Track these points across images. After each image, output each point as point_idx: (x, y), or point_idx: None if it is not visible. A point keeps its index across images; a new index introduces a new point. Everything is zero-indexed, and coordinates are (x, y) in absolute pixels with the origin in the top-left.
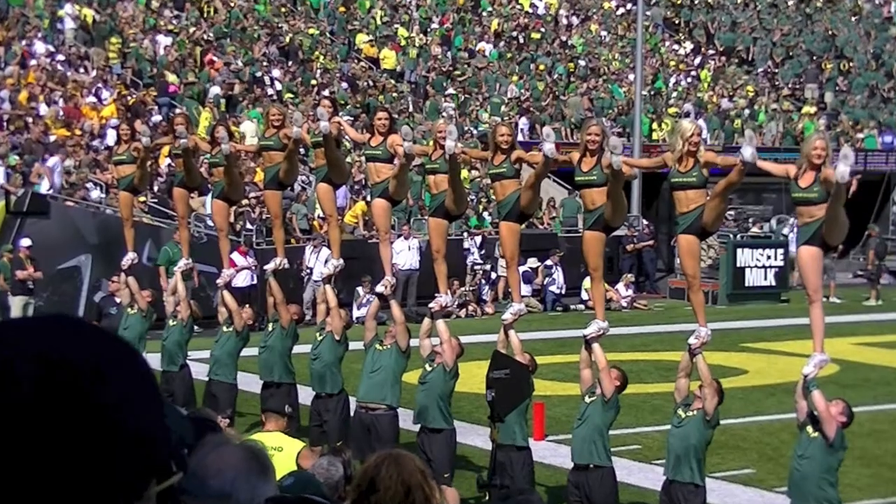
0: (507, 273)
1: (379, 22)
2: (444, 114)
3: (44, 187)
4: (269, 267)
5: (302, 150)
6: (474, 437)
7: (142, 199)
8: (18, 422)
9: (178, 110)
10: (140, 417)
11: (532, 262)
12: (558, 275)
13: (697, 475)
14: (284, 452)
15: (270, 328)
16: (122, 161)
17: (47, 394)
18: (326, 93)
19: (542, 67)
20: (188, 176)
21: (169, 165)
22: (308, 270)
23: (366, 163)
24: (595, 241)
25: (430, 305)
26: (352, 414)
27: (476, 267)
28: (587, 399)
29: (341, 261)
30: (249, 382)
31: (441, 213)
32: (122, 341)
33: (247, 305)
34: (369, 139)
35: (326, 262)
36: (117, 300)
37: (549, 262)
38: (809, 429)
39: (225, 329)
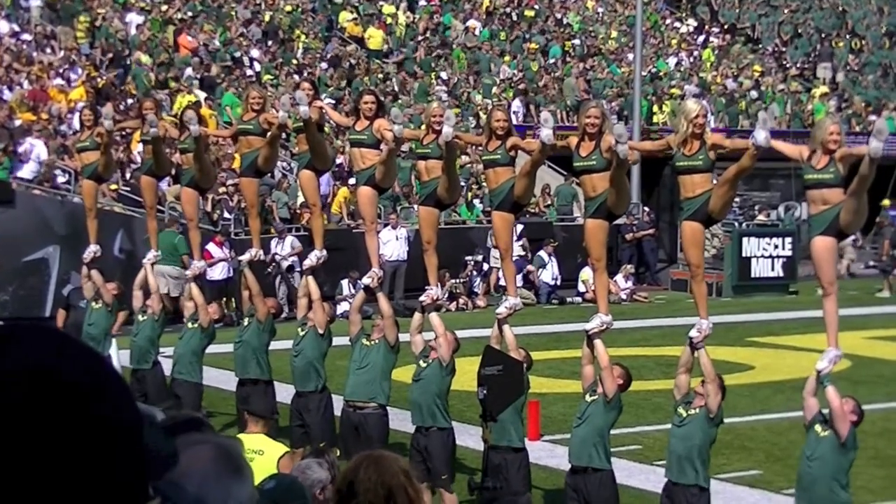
0: (502, 265)
1: None
2: (435, 97)
3: (25, 172)
4: (245, 258)
5: (283, 136)
6: (466, 437)
7: (113, 186)
8: (11, 430)
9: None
10: (125, 417)
11: (518, 245)
12: (552, 265)
13: (702, 477)
14: (265, 456)
15: (246, 322)
16: (85, 148)
17: (36, 401)
18: (307, 74)
19: (534, 46)
20: (157, 164)
21: (140, 152)
22: (275, 265)
23: (350, 148)
24: (597, 230)
25: (421, 299)
26: (337, 412)
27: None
28: (588, 398)
29: (325, 252)
30: (226, 380)
31: (432, 201)
32: (91, 348)
33: (213, 301)
34: (354, 123)
35: (293, 250)
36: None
37: (542, 253)
38: (818, 428)
39: (190, 325)
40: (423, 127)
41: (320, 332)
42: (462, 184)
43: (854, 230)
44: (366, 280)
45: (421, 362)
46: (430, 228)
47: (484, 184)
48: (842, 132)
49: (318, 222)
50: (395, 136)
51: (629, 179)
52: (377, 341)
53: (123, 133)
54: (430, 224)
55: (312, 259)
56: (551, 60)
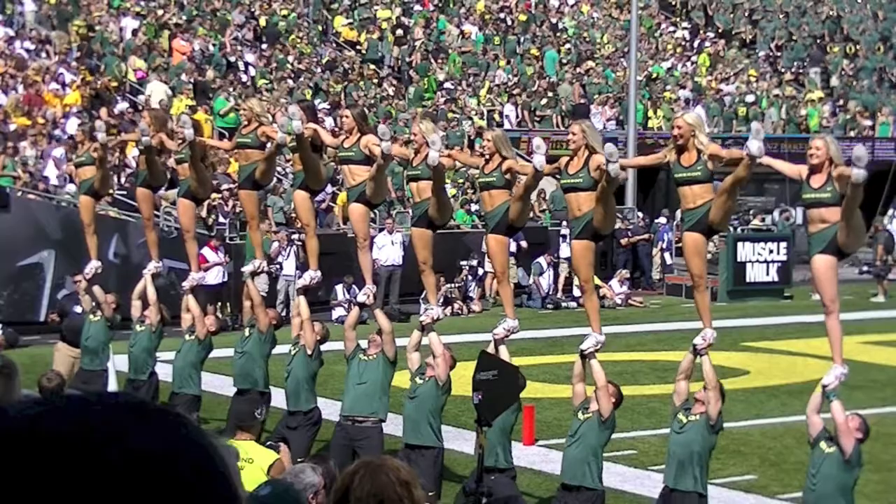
0: (499, 288)
1: (358, 4)
2: (424, 120)
3: (49, 174)
4: (247, 269)
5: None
6: (461, 442)
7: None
8: None
9: (142, 97)
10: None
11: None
12: (550, 274)
13: (700, 484)
14: (255, 464)
15: (247, 333)
16: (82, 163)
17: (158, 485)
18: (302, 79)
19: (534, 52)
20: (151, 173)
21: (136, 157)
22: (278, 266)
23: (339, 165)
24: (584, 252)
25: (421, 319)
26: (332, 417)
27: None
28: (580, 416)
29: (319, 273)
30: (221, 385)
31: (424, 222)
32: (209, 438)
33: (209, 306)
34: (343, 141)
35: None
36: (81, 300)
37: (541, 260)
38: (823, 444)
39: (187, 337)
40: (406, 144)
41: (309, 352)
42: (455, 190)
43: (854, 248)
44: (361, 297)
45: (417, 379)
46: (425, 249)
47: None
48: (826, 146)
49: (312, 242)
50: (382, 152)
51: (623, 184)
52: (375, 356)
53: (121, 144)
54: (424, 245)
55: (306, 279)
56: (552, 65)
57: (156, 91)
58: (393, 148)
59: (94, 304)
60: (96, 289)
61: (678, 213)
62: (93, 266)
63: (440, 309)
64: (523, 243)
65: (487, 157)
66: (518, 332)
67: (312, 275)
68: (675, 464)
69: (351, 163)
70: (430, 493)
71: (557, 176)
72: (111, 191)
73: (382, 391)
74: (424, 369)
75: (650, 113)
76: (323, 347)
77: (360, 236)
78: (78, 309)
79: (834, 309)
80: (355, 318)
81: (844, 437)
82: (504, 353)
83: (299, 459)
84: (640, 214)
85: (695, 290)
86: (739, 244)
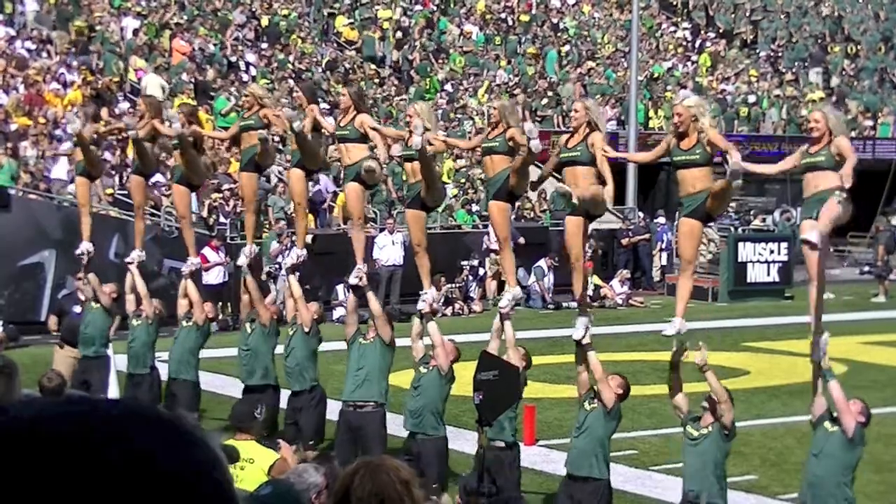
0: (500, 256)
1: (359, 4)
2: (419, 103)
3: (56, 173)
4: (242, 261)
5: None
6: (462, 441)
7: (108, 191)
8: None
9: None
10: None
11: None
12: (550, 277)
13: (721, 491)
14: (256, 464)
15: (249, 329)
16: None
17: (139, 489)
18: (303, 78)
19: (532, 51)
20: (142, 162)
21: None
22: (277, 266)
23: (337, 144)
24: (578, 229)
25: (419, 306)
26: (334, 416)
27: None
28: (587, 406)
29: (305, 251)
30: (222, 385)
31: (417, 204)
32: (202, 439)
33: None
34: (339, 120)
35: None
36: (81, 297)
37: (542, 263)
38: (827, 425)
39: (185, 324)
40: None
41: (306, 330)
42: (456, 190)
43: (840, 220)
44: (352, 280)
45: (421, 368)
46: (419, 231)
47: (480, 189)
48: (827, 117)
49: (302, 222)
50: (373, 166)
51: (623, 184)
52: (373, 340)
53: (119, 137)
54: (418, 227)
55: (293, 257)
56: (552, 66)
57: (151, 83)
58: (384, 130)
59: (92, 291)
60: (91, 276)
61: (678, 215)
62: (84, 247)
63: (435, 290)
64: (521, 240)
65: (493, 124)
66: (521, 297)
67: (299, 252)
68: (691, 473)
69: (347, 141)
70: (435, 485)
71: (551, 173)
72: (111, 190)
73: (380, 375)
74: (428, 359)
75: (651, 113)
76: (323, 348)
77: (354, 215)
78: (77, 309)
79: (815, 276)
80: (354, 303)
81: (845, 415)
82: (508, 331)
83: (311, 442)
84: (641, 214)
85: (681, 275)
86: (740, 244)
